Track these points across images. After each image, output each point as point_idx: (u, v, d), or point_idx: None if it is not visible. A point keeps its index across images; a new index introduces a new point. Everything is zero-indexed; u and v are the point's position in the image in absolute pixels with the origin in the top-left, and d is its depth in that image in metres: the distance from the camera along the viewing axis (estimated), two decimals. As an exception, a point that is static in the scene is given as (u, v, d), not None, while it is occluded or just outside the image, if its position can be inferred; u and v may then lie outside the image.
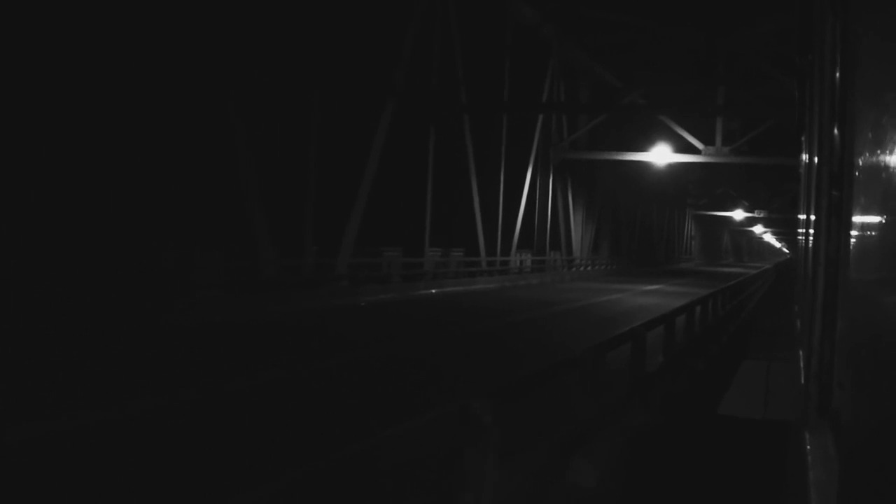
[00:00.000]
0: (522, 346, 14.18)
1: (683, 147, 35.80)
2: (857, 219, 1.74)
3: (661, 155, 36.12)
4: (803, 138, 7.68)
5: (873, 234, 1.49)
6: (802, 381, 3.94)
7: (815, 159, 4.00)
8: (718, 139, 35.42)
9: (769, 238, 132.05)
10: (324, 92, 19.83)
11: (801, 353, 4.99)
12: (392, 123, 22.62)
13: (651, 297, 28.27)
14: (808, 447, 2.71)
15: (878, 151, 1.40)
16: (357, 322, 17.01)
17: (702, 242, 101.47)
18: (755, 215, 75.98)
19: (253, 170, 17.13)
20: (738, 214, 77.75)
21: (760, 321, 20.52)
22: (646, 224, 62.26)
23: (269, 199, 18.19)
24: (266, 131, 18.33)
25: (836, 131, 2.74)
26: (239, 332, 14.05)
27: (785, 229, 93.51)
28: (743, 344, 14.77)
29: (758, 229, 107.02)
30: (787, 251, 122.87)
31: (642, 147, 36.52)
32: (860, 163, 1.72)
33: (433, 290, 24.08)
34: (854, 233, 1.82)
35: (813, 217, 4.03)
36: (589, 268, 43.12)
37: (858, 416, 1.54)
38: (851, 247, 1.89)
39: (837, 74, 2.75)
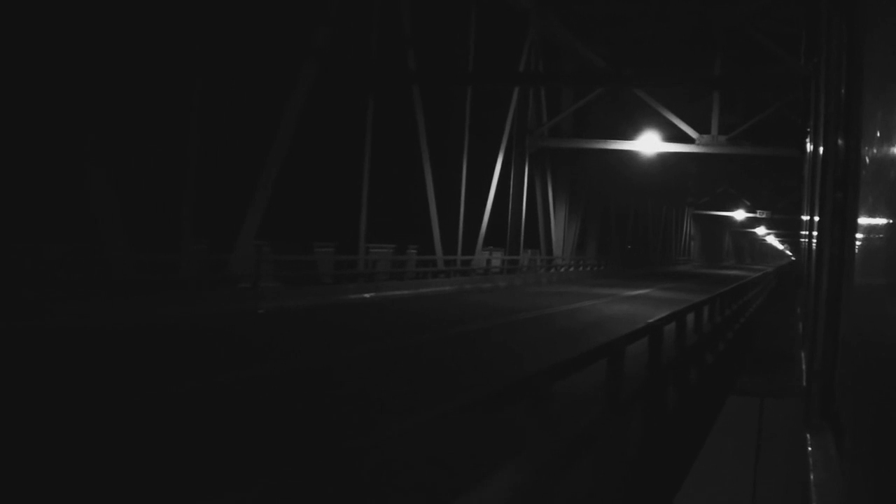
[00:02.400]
0: (440, 374, 10.25)
1: (677, 136, 32.27)
2: (861, 221, 1.80)
3: (651, 144, 32.57)
4: (808, 140, 7.70)
5: (876, 236, 1.50)
6: (804, 383, 4.08)
7: (820, 161, 4.17)
8: (714, 127, 31.78)
9: (772, 240, 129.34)
10: (210, 48, 15.84)
11: (803, 354, 5.35)
12: (317, 92, 18.63)
13: (632, 303, 24.55)
14: (810, 448, 2.75)
15: (883, 154, 1.42)
16: (234, 336, 13.12)
17: (702, 243, 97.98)
18: (758, 216, 72.82)
19: (85, 138, 13.20)
20: (740, 215, 74.72)
21: (757, 331, 16.92)
22: (639, 222, 58.37)
23: (137, 182, 14.41)
24: (127, 97, 14.46)
25: (840, 134, 2.95)
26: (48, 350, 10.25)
27: (788, 231, 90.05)
28: (727, 378, 10.96)
29: (760, 231, 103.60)
30: (790, 254, 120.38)
31: (631, 136, 32.91)
32: (864, 165, 1.78)
33: (367, 295, 20.20)
34: (858, 235, 1.88)
35: (817, 219, 4.20)
36: (572, 269, 39.22)
37: (860, 417, 1.59)
38: (855, 249, 1.93)
39: (843, 78, 2.89)
